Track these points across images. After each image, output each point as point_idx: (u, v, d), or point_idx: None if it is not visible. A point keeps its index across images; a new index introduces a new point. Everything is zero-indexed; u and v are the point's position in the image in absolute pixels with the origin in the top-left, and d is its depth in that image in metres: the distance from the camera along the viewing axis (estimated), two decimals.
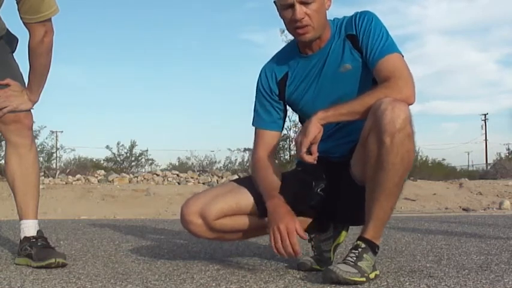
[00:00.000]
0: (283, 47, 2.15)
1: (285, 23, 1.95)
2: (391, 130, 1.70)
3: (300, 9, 1.87)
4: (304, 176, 2.06)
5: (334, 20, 2.01)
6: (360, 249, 1.79)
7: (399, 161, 1.73)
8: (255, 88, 2.12)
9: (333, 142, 2.02)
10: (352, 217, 1.99)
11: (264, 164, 2.04)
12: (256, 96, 2.12)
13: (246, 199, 1.98)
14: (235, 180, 2.14)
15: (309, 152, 1.81)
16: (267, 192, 1.96)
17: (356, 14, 1.97)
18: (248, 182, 2.05)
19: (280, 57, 2.10)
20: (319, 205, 2.02)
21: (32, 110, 2.31)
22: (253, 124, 2.13)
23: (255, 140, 2.12)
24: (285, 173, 2.19)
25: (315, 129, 1.79)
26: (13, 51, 2.35)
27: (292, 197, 1.96)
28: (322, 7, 1.91)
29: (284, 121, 2.14)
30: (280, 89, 2.07)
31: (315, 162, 1.82)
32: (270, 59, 2.13)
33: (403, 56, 1.91)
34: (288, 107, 2.13)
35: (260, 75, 2.12)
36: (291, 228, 1.83)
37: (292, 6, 1.88)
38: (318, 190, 2.02)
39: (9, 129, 2.26)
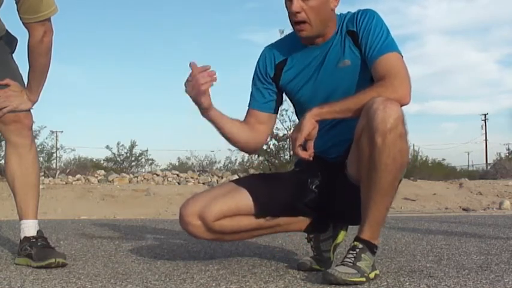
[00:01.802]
0: (288, 34, 2.14)
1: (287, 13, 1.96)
2: (382, 130, 1.70)
3: (296, 3, 1.88)
4: (301, 173, 2.06)
5: (340, 15, 2.01)
6: (357, 250, 1.79)
7: (391, 161, 1.73)
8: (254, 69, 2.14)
9: (329, 141, 2.02)
10: (351, 217, 1.98)
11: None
12: (252, 78, 2.13)
13: (245, 200, 1.97)
14: (234, 181, 2.14)
15: (305, 149, 1.81)
16: None
17: (358, 11, 1.97)
18: (247, 182, 2.04)
19: (283, 43, 2.10)
20: (314, 202, 2.02)
21: (31, 110, 2.31)
22: (247, 106, 2.13)
23: (244, 118, 2.11)
24: (283, 173, 2.19)
25: (309, 125, 1.80)
26: (12, 52, 2.35)
27: (288, 196, 1.96)
28: (324, 6, 1.90)
29: (278, 104, 2.13)
30: (276, 72, 2.08)
31: (311, 158, 1.82)
32: (273, 42, 2.14)
33: (402, 56, 1.91)
34: (284, 94, 2.12)
35: (260, 56, 2.13)
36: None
37: None
38: (313, 187, 2.02)
39: (9, 129, 2.26)
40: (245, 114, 2.12)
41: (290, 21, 1.95)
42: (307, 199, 2.01)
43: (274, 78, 2.08)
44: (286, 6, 1.94)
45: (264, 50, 2.13)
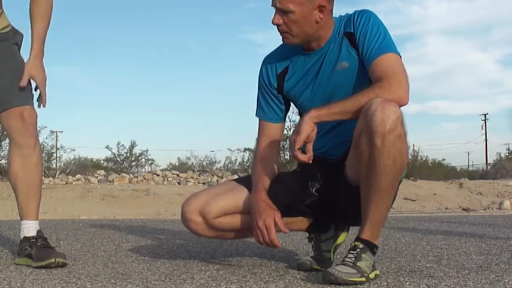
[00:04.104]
0: None
1: None
2: (381, 131, 1.69)
3: (276, 16, 1.90)
4: (301, 176, 2.06)
5: (339, 17, 2.01)
6: (358, 250, 1.79)
7: (391, 162, 1.73)
8: (257, 78, 2.14)
9: (329, 142, 2.02)
10: (352, 217, 1.98)
11: (262, 156, 2.06)
12: (258, 87, 2.14)
13: (246, 198, 1.98)
14: (235, 180, 2.15)
15: (304, 151, 1.81)
16: (255, 184, 1.98)
17: (355, 12, 1.97)
18: (248, 181, 2.05)
19: (283, 50, 2.10)
20: (315, 205, 2.02)
21: (36, 109, 2.31)
22: (256, 115, 2.14)
23: (258, 131, 2.14)
24: (285, 172, 2.19)
25: (308, 127, 1.79)
26: (19, 48, 2.34)
27: (289, 197, 1.97)
28: (305, 19, 1.89)
29: (287, 111, 2.14)
30: (279, 83, 2.08)
31: (310, 161, 1.81)
32: (273, 50, 2.13)
33: (400, 56, 1.90)
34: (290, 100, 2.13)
35: (261, 66, 2.13)
36: (269, 224, 1.86)
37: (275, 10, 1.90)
38: (313, 190, 2.02)
39: (14, 128, 2.25)
40: (258, 127, 2.13)
41: None
42: (307, 202, 2.02)
43: (278, 88, 2.09)
44: None
45: (264, 60, 2.13)
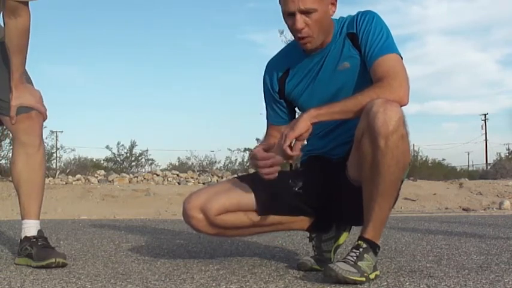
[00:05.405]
0: (288, 43, 2.16)
1: (288, 27, 1.96)
2: (384, 132, 1.69)
3: (300, 19, 1.87)
4: (288, 174, 2.07)
5: (339, 19, 2.01)
6: (361, 249, 1.79)
7: (395, 163, 1.73)
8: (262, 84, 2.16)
9: (332, 141, 2.02)
10: (354, 217, 1.98)
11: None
12: (263, 93, 2.16)
13: (247, 196, 1.97)
14: (238, 177, 2.15)
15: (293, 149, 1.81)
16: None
17: (358, 13, 1.98)
18: (250, 178, 2.04)
19: (284, 54, 2.11)
20: (298, 203, 2.01)
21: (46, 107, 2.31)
22: (266, 118, 2.18)
23: (265, 132, 2.17)
24: (284, 171, 2.19)
25: (304, 126, 1.79)
26: None
27: (271, 195, 1.97)
28: (325, 16, 1.90)
29: (293, 114, 2.15)
30: (280, 87, 2.09)
31: (292, 160, 1.83)
32: (275, 55, 2.15)
33: (401, 58, 1.91)
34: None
35: (264, 72, 2.15)
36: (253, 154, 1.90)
37: (293, 14, 1.88)
38: (296, 189, 2.01)
39: (19, 127, 2.24)
40: (266, 127, 2.17)
41: (292, 34, 1.95)
42: (289, 198, 2.00)
43: (280, 92, 2.10)
44: (285, 20, 1.93)
45: (266, 66, 2.15)
